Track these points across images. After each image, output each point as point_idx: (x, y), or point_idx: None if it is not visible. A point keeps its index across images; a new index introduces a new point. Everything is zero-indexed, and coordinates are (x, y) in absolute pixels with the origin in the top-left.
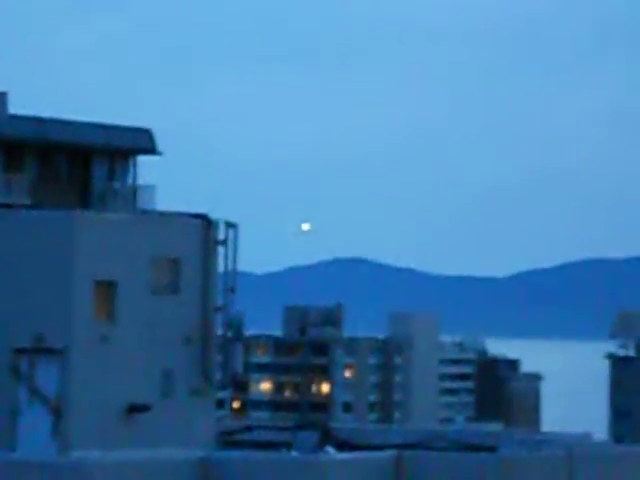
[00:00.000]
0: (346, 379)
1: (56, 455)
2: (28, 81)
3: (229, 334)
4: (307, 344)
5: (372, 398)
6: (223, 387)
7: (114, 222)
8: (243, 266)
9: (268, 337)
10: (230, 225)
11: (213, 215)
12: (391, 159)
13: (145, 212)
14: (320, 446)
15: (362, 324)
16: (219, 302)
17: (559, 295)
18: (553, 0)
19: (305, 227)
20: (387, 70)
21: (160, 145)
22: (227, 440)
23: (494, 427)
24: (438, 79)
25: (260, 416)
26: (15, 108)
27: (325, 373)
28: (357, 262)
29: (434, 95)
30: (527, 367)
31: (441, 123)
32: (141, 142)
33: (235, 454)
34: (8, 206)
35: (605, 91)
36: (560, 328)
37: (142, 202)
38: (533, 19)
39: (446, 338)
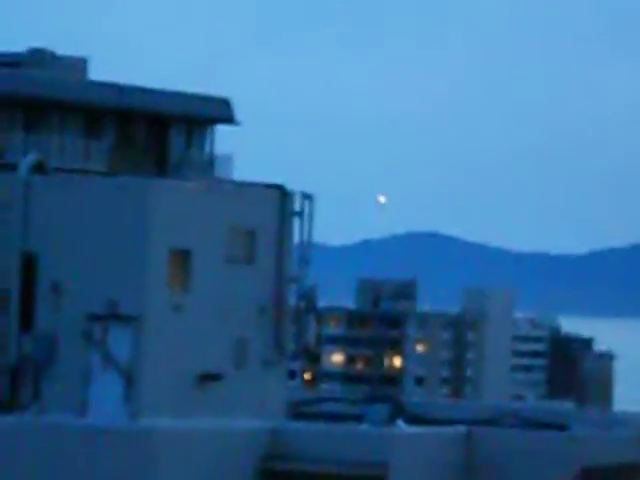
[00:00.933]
0: (418, 353)
1: (126, 421)
2: (108, 48)
3: (302, 305)
4: (380, 317)
5: (444, 373)
6: (295, 358)
7: (190, 191)
8: (317, 238)
9: (341, 309)
10: (306, 196)
11: (289, 186)
12: (465, 132)
13: (222, 182)
14: (391, 420)
15: (436, 299)
16: (293, 273)
17: (634, 274)
18: None
19: (381, 200)
20: (445, 45)
21: (238, 115)
22: (298, 411)
23: (566, 405)
24: (495, 54)
25: (332, 388)
26: (95, 74)
27: (397, 347)
28: (431, 236)
29: (495, 68)
30: (601, 346)
31: (495, 89)
32: (219, 111)
33: (306, 425)
34: (86, 172)
35: None
36: (636, 308)
37: (219, 172)
38: None
39: (519, 315)
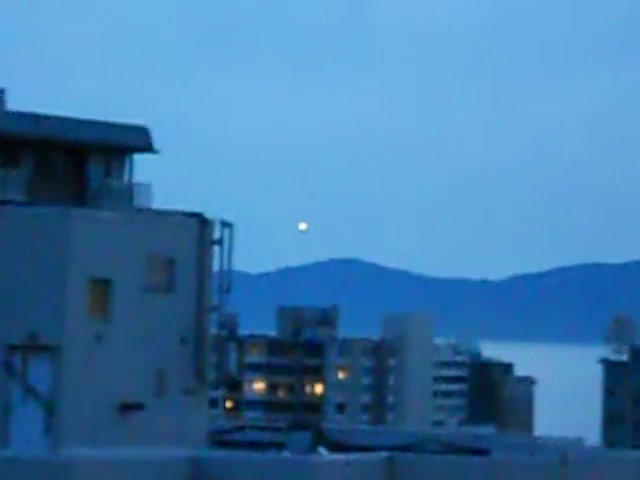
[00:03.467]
0: (339, 380)
1: (48, 452)
2: (25, 78)
3: (223, 333)
4: (301, 345)
5: (365, 399)
6: (217, 386)
7: (109, 220)
8: (238, 266)
9: (262, 337)
10: (226, 224)
11: (209, 214)
12: (387, 160)
13: (141, 210)
14: (313, 447)
15: (357, 325)
16: (214, 301)
17: (553, 299)
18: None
19: (302, 227)
20: (378, 69)
21: (156, 143)
22: (219, 440)
23: (487, 430)
24: (434, 78)
25: (253, 416)
26: (12, 104)
27: (319, 374)
28: (352, 263)
29: (431, 93)
30: (520, 371)
31: (439, 122)
32: (137, 140)
33: (227, 454)
34: (4, 202)
35: (612, 89)
36: (554, 332)
37: (138, 200)
38: (534, 15)
39: (440, 340)
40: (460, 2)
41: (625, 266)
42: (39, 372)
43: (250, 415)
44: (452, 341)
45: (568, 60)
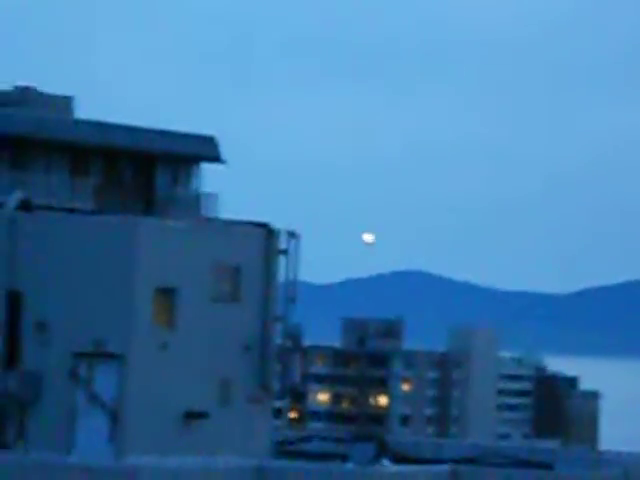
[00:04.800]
0: (404, 392)
1: (112, 460)
2: (93, 86)
3: (288, 344)
4: (366, 356)
5: (429, 412)
6: (281, 397)
7: (176, 229)
8: (303, 276)
9: (327, 348)
10: (292, 235)
11: (275, 224)
12: (451, 171)
13: (208, 220)
14: (376, 459)
15: (422, 337)
16: (279, 312)
17: (621, 313)
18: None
19: (368, 238)
20: (443, 78)
21: (224, 153)
22: (284, 450)
23: (551, 444)
24: (497, 86)
25: (317, 427)
26: (80, 113)
27: (383, 385)
28: (416, 275)
29: (497, 102)
30: (586, 385)
31: (503, 132)
32: (205, 149)
33: (291, 464)
34: (72, 210)
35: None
36: (621, 347)
37: (205, 210)
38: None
39: (505, 354)
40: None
41: None
42: (104, 380)
43: (314, 426)
44: (517, 354)
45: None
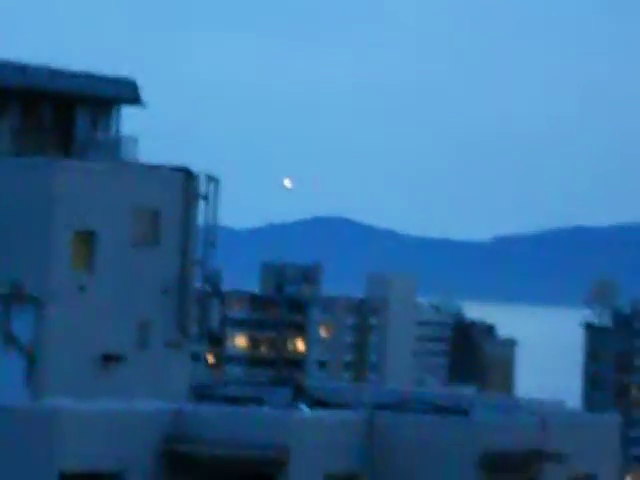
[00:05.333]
0: (322, 337)
1: (28, 401)
2: (12, 26)
3: (207, 288)
4: (284, 301)
5: (347, 357)
6: (199, 340)
7: (95, 172)
8: (223, 221)
9: (245, 293)
10: (212, 179)
11: (195, 168)
12: (374, 117)
13: (127, 163)
14: (293, 403)
15: (340, 283)
16: (198, 256)
17: (539, 262)
18: None
19: (287, 183)
20: (365, 23)
21: (144, 96)
22: (201, 393)
23: (467, 391)
24: (429, 35)
25: (235, 371)
26: None
27: (301, 331)
28: (338, 221)
29: (424, 51)
30: (503, 332)
31: (422, 76)
32: (125, 92)
33: (208, 407)
34: None
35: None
36: (538, 295)
37: (125, 153)
38: None
39: (423, 300)
40: None
41: (610, 229)
42: (21, 322)
43: (232, 370)
44: (435, 301)
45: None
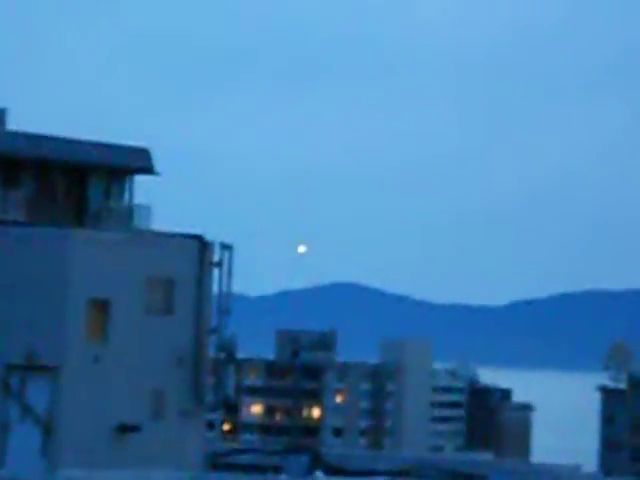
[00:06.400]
0: (337, 404)
1: (44, 473)
2: (26, 98)
3: (221, 356)
4: (299, 368)
5: (363, 424)
6: (214, 409)
7: (109, 241)
8: (237, 288)
9: (260, 360)
10: (225, 247)
11: (208, 236)
12: (389, 185)
13: (140, 232)
14: (309, 471)
15: (355, 349)
16: (213, 324)
17: (554, 326)
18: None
19: (301, 250)
20: (383, 96)
21: (158, 165)
22: (217, 462)
23: (484, 456)
24: (434, 102)
25: (250, 439)
26: (13, 124)
27: (316, 398)
28: (352, 287)
29: (434, 122)
30: (519, 397)
31: (439, 147)
32: (138, 161)
33: (224, 476)
34: (4, 222)
35: (609, 120)
36: (554, 359)
37: (138, 222)
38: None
39: (438, 366)
40: (464, 30)
41: (625, 293)
42: (37, 392)
43: (247, 438)
44: (450, 366)
45: (570, 90)
